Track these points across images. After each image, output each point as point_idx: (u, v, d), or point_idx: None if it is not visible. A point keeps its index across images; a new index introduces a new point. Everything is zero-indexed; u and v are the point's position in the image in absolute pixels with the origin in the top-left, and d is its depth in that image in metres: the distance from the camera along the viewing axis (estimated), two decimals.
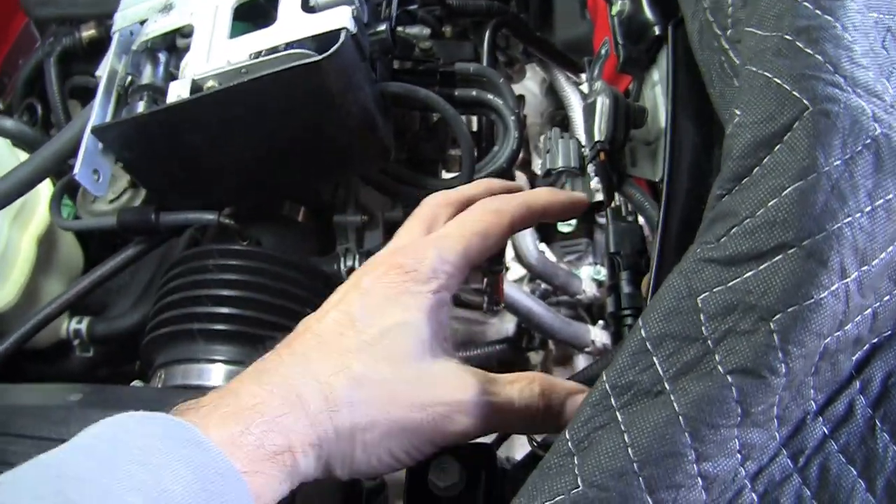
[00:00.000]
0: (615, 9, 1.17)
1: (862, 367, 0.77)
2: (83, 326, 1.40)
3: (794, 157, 0.70)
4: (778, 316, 0.68)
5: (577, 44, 1.61)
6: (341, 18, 1.00)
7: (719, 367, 0.69)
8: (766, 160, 0.72)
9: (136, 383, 1.17)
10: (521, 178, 2.39)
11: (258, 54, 1.03)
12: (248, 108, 1.03)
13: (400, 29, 1.33)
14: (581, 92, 1.87)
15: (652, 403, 0.71)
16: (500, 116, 1.19)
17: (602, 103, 1.09)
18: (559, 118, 2.33)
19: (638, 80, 1.19)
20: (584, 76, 1.69)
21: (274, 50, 1.03)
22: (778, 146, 0.72)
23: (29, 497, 0.59)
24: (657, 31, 1.11)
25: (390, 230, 1.30)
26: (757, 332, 0.69)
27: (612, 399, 0.73)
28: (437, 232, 0.89)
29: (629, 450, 0.70)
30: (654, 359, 0.72)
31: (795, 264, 0.68)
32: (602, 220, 2.38)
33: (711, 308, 0.71)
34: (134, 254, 1.22)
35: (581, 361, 2.43)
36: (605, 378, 0.74)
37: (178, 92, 1.04)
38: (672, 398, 0.70)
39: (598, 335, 2.27)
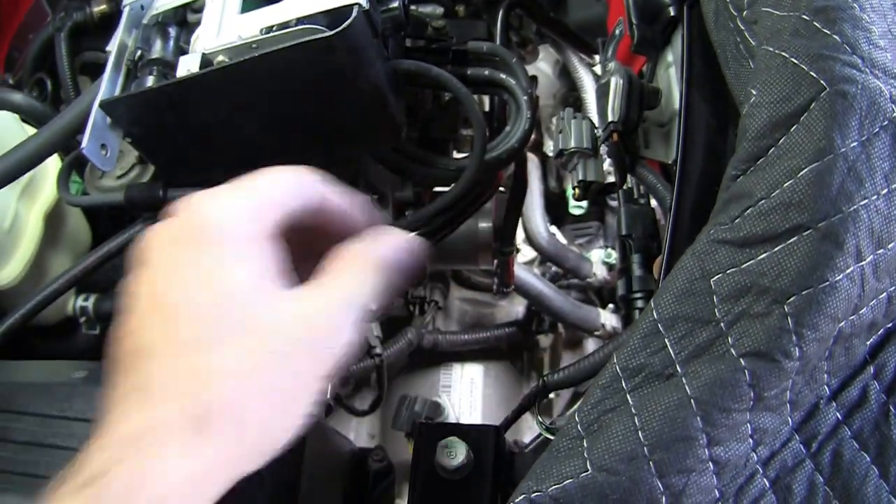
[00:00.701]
0: None
1: (876, 352, 0.76)
2: (90, 304, 1.40)
3: (811, 137, 0.69)
4: (792, 298, 0.67)
5: (590, 25, 1.60)
6: None
7: (732, 350, 0.69)
8: (781, 141, 0.71)
9: None
10: (532, 159, 2.39)
11: (269, 29, 1.02)
12: (257, 83, 1.02)
13: (413, 8, 1.32)
14: (594, 74, 1.86)
15: (663, 386, 0.70)
16: (512, 96, 1.18)
17: (616, 83, 1.08)
18: (572, 100, 2.32)
19: (652, 60, 1.18)
20: (597, 58, 1.68)
21: (285, 25, 1.02)
22: (794, 127, 0.71)
23: None
24: (672, 11, 1.10)
25: (400, 210, 1.29)
26: (771, 315, 0.68)
27: (623, 381, 0.72)
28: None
29: (639, 433, 0.69)
30: (666, 341, 0.71)
31: (810, 246, 0.67)
32: (614, 203, 2.38)
33: (725, 290, 0.70)
34: (141, 230, 1.21)
35: (591, 345, 2.44)
36: (615, 360, 0.73)
37: (187, 66, 1.03)
38: (684, 381, 0.69)
39: (608, 319, 2.27)
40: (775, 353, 0.68)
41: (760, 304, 0.68)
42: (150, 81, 1.08)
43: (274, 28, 1.02)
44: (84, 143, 1.05)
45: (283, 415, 0.66)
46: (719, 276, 0.70)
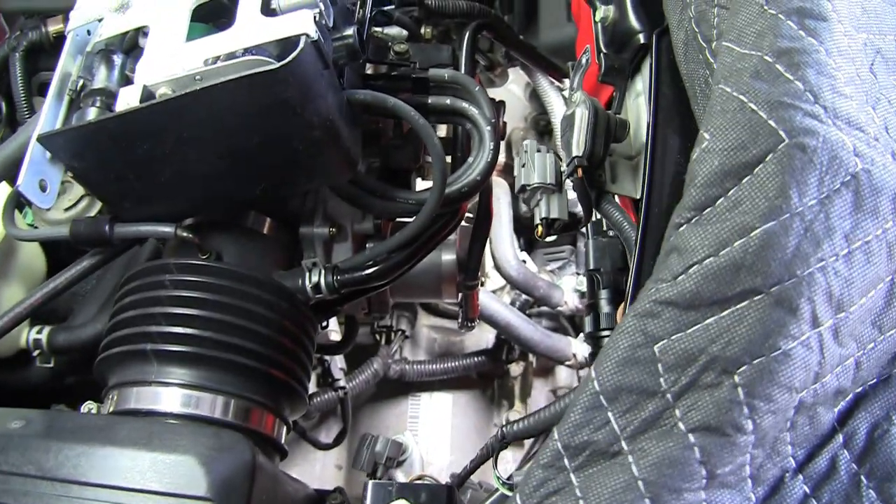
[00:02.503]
0: (599, 14, 1.11)
1: (845, 419, 0.71)
2: (43, 336, 1.35)
3: (765, 193, 0.64)
4: (743, 368, 0.63)
5: (562, 47, 1.55)
6: (302, 24, 0.94)
7: (680, 425, 0.64)
8: (731, 192, 0.66)
9: (89, 404, 1.12)
10: (502, 184, 2.34)
11: (216, 59, 0.97)
12: (202, 116, 0.98)
13: (378, 29, 1.28)
14: (564, 98, 1.82)
15: (609, 465, 0.65)
16: (475, 126, 1.13)
17: (581, 116, 1.03)
18: (543, 122, 2.28)
19: (620, 90, 1.13)
20: (567, 82, 1.64)
21: (232, 55, 0.97)
22: (747, 178, 0.66)
23: None
24: (642, 39, 1.06)
25: (360, 243, 1.25)
26: (720, 387, 0.63)
27: (566, 460, 0.67)
28: None
29: None
30: (610, 414, 0.66)
31: (762, 312, 0.63)
32: None
33: (670, 358, 0.65)
34: (89, 266, 1.17)
35: (562, 373, 2.41)
36: (556, 436, 0.68)
37: (127, 100, 0.99)
38: (630, 460, 0.64)
39: (580, 348, 2.22)
40: (726, 427, 0.63)
41: (709, 374, 0.64)
42: (91, 114, 1.03)
43: (222, 58, 0.97)
44: (20, 180, 1.01)
45: None
46: (664, 342, 0.65)
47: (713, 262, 0.65)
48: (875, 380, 0.72)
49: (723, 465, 0.64)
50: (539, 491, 0.67)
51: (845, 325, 0.66)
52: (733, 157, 0.67)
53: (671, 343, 0.65)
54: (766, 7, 0.76)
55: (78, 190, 1.25)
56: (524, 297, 2.36)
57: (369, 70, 1.22)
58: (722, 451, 0.63)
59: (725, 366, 0.63)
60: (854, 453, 0.71)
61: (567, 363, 2.23)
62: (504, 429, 0.98)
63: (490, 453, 1.02)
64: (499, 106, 1.27)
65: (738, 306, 0.63)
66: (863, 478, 0.71)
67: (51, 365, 1.38)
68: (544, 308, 2.38)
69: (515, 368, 2.42)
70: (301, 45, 0.93)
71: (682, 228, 0.69)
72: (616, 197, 1.11)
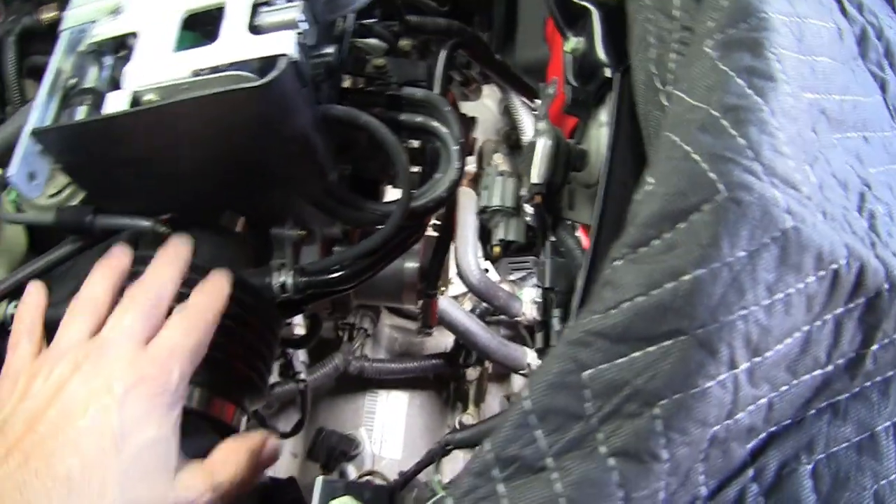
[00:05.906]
0: (569, 45, 1.15)
1: (757, 455, 0.77)
2: None
3: (698, 240, 0.69)
4: (664, 402, 0.68)
5: (537, 66, 1.59)
6: (284, 44, 0.99)
7: (602, 448, 0.69)
8: (667, 234, 0.71)
9: None
10: (470, 194, 2.37)
11: (201, 71, 1.02)
12: (185, 125, 1.02)
13: (360, 40, 1.32)
14: (535, 117, 1.86)
15: (535, 479, 0.71)
16: (443, 144, 1.18)
17: (543, 146, 1.08)
18: (514, 137, 2.32)
19: (583, 120, 1.18)
20: (539, 102, 1.67)
21: (217, 69, 1.02)
22: (683, 224, 0.71)
23: None
24: (608, 73, 1.10)
25: (328, 246, 1.30)
26: (641, 417, 0.69)
27: (496, 470, 0.72)
28: (170, 345, 0.94)
29: None
30: (538, 432, 0.72)
31: (685, 352, 0.68)
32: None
33: (597, 386, 0.70)
34: (69, 251, 1.20)
35: (517, 381, 2.48)
36: (488, 447, 0.73)
37: (115, 104, 1.03)
38: (555, 476, 0.70)
39: (535, 358, 2.25)
40: (644, 454, 0.68)
41: (632, 404, 0.69)
42: (81, 112, 1.07)
43: (206, 70, 1.02)
44: (12, 171, 1.04)
45: None
46: (592, 370, 0.70)
47: (644, 300, 0.70)
48: (789, 421, 0.78)
49: (639, 490, 0.69)
50: (468, 496, 0.72)
51: (760, 368, 0.71)
52: (673, 202, 0.72)
53: (599, 372, 0.70)
54: (718, 62, 0.80)
55: (62, 178, 1.28)
56: (485, 304, 2.41)
57: (347, 82, 1.26)
58: (638, 476, 0.69)
59: (647, 398, 0.68)
60: (762, 487, 0.76)
61: (521, 372, 2.27)
62: (448, 436, 1.03)
63: (433, 458, 1.05)
64: (469, 122, 1.32)
65: (664, 344, 0.68)
66: None
67: None
68: (503, 316, 2.43)
69: (471, 373, 2.48)
70: (283, 65, 0.98)
71: (616, 263, 0.74)
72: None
